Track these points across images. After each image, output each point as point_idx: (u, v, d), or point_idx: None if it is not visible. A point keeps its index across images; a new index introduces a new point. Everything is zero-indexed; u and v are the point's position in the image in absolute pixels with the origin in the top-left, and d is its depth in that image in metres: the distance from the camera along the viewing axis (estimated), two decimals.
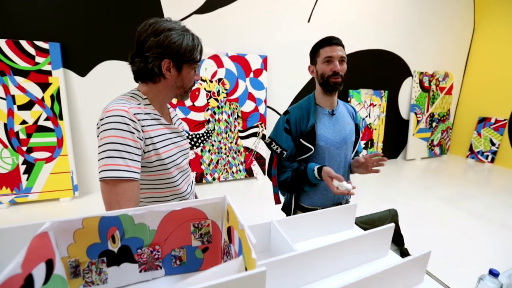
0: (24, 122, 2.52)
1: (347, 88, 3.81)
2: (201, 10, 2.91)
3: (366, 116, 3.99)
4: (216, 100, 3.12)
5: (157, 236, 0.46)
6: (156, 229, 0.46)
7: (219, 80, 3.08)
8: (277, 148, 1.04)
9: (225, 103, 3.16)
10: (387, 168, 4.02)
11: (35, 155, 2.59)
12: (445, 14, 4.18)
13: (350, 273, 0.45)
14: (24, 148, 2.55)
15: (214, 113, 3.14)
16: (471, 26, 4.47)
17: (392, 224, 0.54)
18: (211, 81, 3.06)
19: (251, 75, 3.20)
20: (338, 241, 0.46)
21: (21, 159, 2.55)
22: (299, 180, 1.01)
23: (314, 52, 1.04)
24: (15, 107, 2.47)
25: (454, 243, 2.05)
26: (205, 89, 3.06)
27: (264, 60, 3.21)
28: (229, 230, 0.46)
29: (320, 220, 0.61)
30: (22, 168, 2.56)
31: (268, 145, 1.07)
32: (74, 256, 0.42)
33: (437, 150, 4.67)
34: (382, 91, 4.02)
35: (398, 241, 1.18)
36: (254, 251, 0.33)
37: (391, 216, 1.13)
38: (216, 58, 3.02)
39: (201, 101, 3.06)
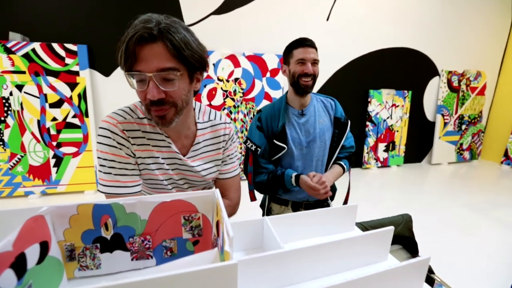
0: (54, 119, 2.71)
1: (367, 88, 3.68)
2: (219, 11, 2.95)
3: (388, 118, 3.82)
4: (233, 99, 3.16)
5: (148, 226, 0.48)
6: (147, 219, 0.47)
7: (236, 79, 3.11)
8: (251, 146, 1.09)
9: (241, 103, 3.19)
10: (409, 172, 3.82)
11: (64, 150, 2.78)
12: (478, 8, 3.89)
13: (341, 277, 0.43)
14: (54, 143, 2.75)
15: (231, 112, 3.18)
16: (508, 21, 4.12)
17: (392, 227, 0.51)
18: (227, 81, 3.10)
19: (268, 74, 3.19)
20: (329, 241, 0.45)
21: (51, 153, 2.74)
22: (275, 184, 1.07)
23: (288, 53, 1.08)
24: (47, 105, 2.67)
25: (479, 254, 1.90)
26: (221, 88, 3.10)
27: (281, 59, 3.18)
28: (217, 224, 0.46)
29: (316, 220, 0.59)
30: (52, 161, 2.76)
31: (245, 143, 1.13)
32: (70, 241, 0.44)
33: (466, 154, 4.36)
34: (406, 91, 3.83)
35: (411, 248, 1.12)
36: (229, 244, 0.33)
37: (404, 221, 1.08)
38: (233, 58, 3.05)
39: (217, 100, 3.11)
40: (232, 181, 0.83)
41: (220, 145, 0.79)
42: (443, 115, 4.08)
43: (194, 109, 0.76)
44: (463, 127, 4.23)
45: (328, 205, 1.19)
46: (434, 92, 4.05)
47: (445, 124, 4.12)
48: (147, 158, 0.67)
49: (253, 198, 1.18)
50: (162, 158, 0.69)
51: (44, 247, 0.39)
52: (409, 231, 1.08)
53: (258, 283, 0.40)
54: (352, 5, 3.34)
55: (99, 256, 0.46)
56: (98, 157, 0.64)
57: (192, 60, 0.58)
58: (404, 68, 3.78)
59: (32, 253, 0.37)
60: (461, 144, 4.29)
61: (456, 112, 4.15)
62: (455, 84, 4.05)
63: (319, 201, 1.17)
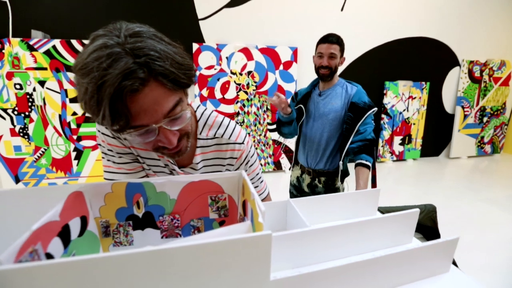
0: (74, 113, 2.81)
1: (382, 79, 3.58)
2: (232, 4, 2.94)
3: (404, 110, 3.72)
4: (246, 92, 3.16)
5: (177, 205, 0.49)
6: (176, 198, 0.49)
7: (249, 72, 3.11)
8: None
9: (254, 96, 3.19)
10: (426, 166, 3.72)
11: (84, 143, 2.88)
12: None
13: (365, 257, 0.44)
14: (75, 137, 2.85)
15: (244, 105, 3.18)
16: None
17: (417, 209, 0.50)
18: (240, 74, 3.10)
19: (281, 67, 3.17)
20: (354, 221, 0.45)
21: (72, 146, 2.86)
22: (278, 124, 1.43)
23: (316, 46, 1.28)
24: (67, 100, 2.77)
25: (500, 249, 1.84)
26: (234, 82, 3.11)
27: (294, 52, 3.16)
28: (244, 204, 0.48)
29: (338, 203, 0.59)
30: (73, 154, 2.87)
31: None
32: (105, 217, 0.47)
33: (488, 148, 4.19)
34: (423, 82, 3.71)
35: (435, 239, 1.10)
36: (262, 217, 0.33)
37: (426, 210, 1.05)
38: (246, 51, 3.04)
39: (230, 93, 3.12)
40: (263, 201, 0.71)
41: (224, 168, 0.66)
42: (463, 107, 3.93)
43: (199, 120, 0.63)
44: (485, 119, 4.05)
45: (335, 176, 1.36)
46: (454, 83, 3.89)
47: (465, 116, 3.97)
48: (144, 158, 0.62)
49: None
50: (158, 161, 0.63)
51: (84, 221, 0.42)
52: (432, 221, 1.06)
53: (285, 260, 0.41)
54: None
55: (131, 233, 0.49)
56: (98, 144, 0.61)
57: (188, 80, 0.47)
58: (422, 59, 3.65)
59: (75, 225, 0.39)
60: (482, 137, 4.12)
61: (478, 103, 3.98)
62: (477, 74, 3.87)
63: (326, 171, 1.36)
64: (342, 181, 1.35)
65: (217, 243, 0.30)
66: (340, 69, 3.41)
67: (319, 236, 0.43)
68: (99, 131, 0.59)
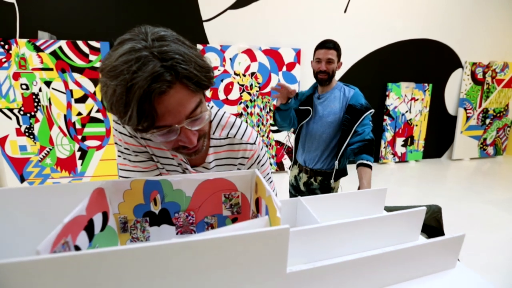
0: (79, 113, 2.84)
1: (385, 81, 3.59)
2: (236, 5, 2.97)
3: (406, 111, 3.73)
4: (249, 93, 3.18)
5: (192, 202, 0.51)
6: (191, 196, 0.51)
7: (252, 74, 3.13)
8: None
9: (257, 97, 3.21)
10: (428, 168, 3.72)
11: (88, 143, 2.91)
12: None
13: (375, 252, 0.45)
14: (79, 137, 2.88)
15: (247, 106, 3.20)
16: None
17: (424, 208, 0.52)
18: (244, 75, 3.12)
19: (284, 68, 3.19)
20: (363, 218, 0.46)
21: (77, 146, 2.88)
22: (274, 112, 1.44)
23: (314, 51, 1.33)
24: (72, 100, 2.80)
25: (502, 250, 1.85)
26: (238, 83, 3.13)
27: (298, 53, 3.18)
28: (257, 201, 0.49)
29: (346, 202, 0.61)
30: (78, 154, 2.90)
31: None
32: (123, 214, 0.49)
33: (490, 150, 4.19)
34: (426, 84, 3.72)
35: None
36: (279, 212, 0.35)
37: (431, 211, 1.07)
38: (249, 52, 3.07)
39: (234, 94, 3.14)
40: None
41: (235, 168, 0.68)
42: (465, 109, 3.93)
43: (212, 121, 0.65)
44: (487, 121, 4.06)
45: (328, 179, 1.40)
46: (457, 85, 3.90)
47: (468, 118, 3.97)
48: (158, 157, 0.64)
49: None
50: (171, 159, 0.65)
51: (105, 217, 0.44)
52: (436, 222, 1.07)
53: (298, 255, 0.43)
54: None
55: (148, 229, 0.51)
56: (115, 143, 0.63)
57: (207, 83, 0.49)
58: (425, 60, 3.67)
59: (98, 220, 0.41)
60: (485, 139, 4.12)
61: (480, 105, 3.98)
62: (480, 76, 3.88)
63: (323, 171, 1.40)
64: (335, 180, 1.38)
65: (239, 236, 0.31)
66: (342, 71, 3.43)
67: (330, 232, 0.45)
68: (116, 130, 0.61)
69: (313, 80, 1.51)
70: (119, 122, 0.52)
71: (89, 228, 0.38)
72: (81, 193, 0.42)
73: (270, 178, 0.72)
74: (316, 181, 1.40)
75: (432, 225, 1.03)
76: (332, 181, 1.37)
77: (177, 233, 0.52)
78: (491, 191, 2.91)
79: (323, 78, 1.29)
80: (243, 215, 0.54)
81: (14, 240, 0.42)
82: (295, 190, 1.51)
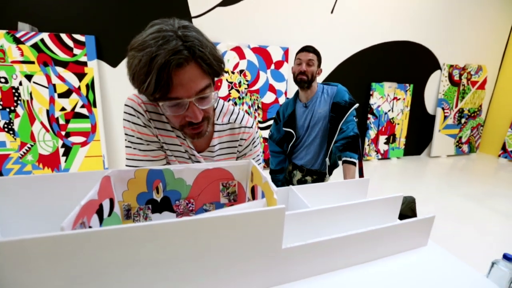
0: (63, 109, 2.76)
1: (369, 81, 3.73)
2: (225, 3, 2.98)
3: (389, 110, 3.89)
4: (238, 91, 3.21)
5: (192, 190, 0.55)
6: (192, 184, 0.54)
7: (241, 71, 3.16)
8: (269, 133, 1.55)
9: (246, 94, 3.24)
10: (409, 164, 3.91)
11: (72, 139, 2.83)
12: (480, 3, 3.93)
13: (359, 231, 0.51)
14: (63, 133, 2.80)
15: (235, 103, 3.23)
16: (510, 15, 4.16)
17: (401, 194, 0.58)
18: (232, 72, 3.15)
19: (272, 66, 3.24)
20: (348, 203, 0.52)
21: (60, 142, 2.80)
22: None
23: (295, 57, 1.36)
24: (55, 95, 2.71)
25: (475, 241, 2.00)
26: (227, 80, 3.15)
27: (286, 52, 3.24)
28: (252, 189, 0.53)
29: (333, 191, 0.66)
30: (61, 151, 2.82)
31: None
32: (127, 201, 0.51)
33: (465, 147, 4.45)
34: (407, 84, 3.89)
35: None
36: (276, 194, 0.40)
37: (407, 202, 1.15)
38: (238, 50, 3.09)
39: (222, 91, 3.16)
40: None
41: (235, 149, 0.77)
42: (443, 109, 4.15)
43: (215, 108, 0.73)
44: (463, 120, 4.30)
45: (324, 176, 1.45)
46: (435, 86, 4.11)
47: (445, 117, 4.20)
48: (168, 144, 0.68)
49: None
50: (178, 146, 0.70)
51: (112, 203, 0.46)
52: (412, 212, 1.16)
53: (291, 236, 0.48)
54: None
55: (150, 216, 0.54)
56: (125, 133, 0.66)
57: (219, 70, 0.59)
58: (406, 62, 3.84)
59: (106, 205, 0.44)
60: (460, 138, 4.37)
61: (457, 105, 4.22)
62: (456, 78, 4.10)
63: (319, 171, 1.45)
64: (330, 174, 1.44)
65: (241, 215, 0.35)
66: (328, 70, 3.53)
67: (319, 216, 0.50)
68: (129, 121, 0.65)
69: None
70: (133, 112, 0.62)
71: (100, 212, 0.41)
72: (88, 182, 0.45)
73: (260, 159, 0.83)
74: (311, 178, 1.45)
75: (408, 215, 1.12)
76: (327, 176, 1.43)
77: None
78: (466, 186, 3.11)
79: (303, 79, 1.28)
80: (239, 203, 0.58)
81: (27, 222, 0.44)
82: (288, 185, 1.55)
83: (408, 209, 1.14)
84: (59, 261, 0.30)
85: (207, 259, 0.36)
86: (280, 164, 1.51)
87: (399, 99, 3.90)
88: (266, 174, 0.83)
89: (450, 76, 4.07)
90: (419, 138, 4.31)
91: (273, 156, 1.53)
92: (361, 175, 1.38)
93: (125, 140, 0.67)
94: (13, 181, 0.46)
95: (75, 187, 0.46)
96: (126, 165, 0.68)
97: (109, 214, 0.45)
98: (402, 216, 1.20)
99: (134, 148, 0.66)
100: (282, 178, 1.53)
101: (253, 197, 0.53)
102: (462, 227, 2.16)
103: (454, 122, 4.26)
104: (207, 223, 0.35)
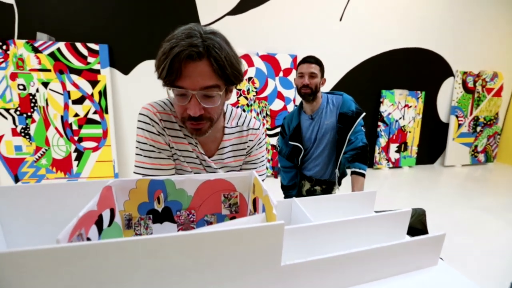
0: (76, 114, 2.84)
1: (379, 88, 3.68)
2: (234, 12, 3.03)
3: (400, 118, 3.81)
4: (246, 98, 3.23)
5: (193, 201, 0.54)
6: (193, 195, 0.54)
7: (249, 78, 3.18)
8: (277, 148, 1.49)
9: (254, 101, 3.25)
10: (421, 174, 3.80)
11: (84, 144, 2.91)
12: (495, 7, 3.83)
13: (363, 248, 0.49)
14: (76, 138, 2.88)
15: (244, 110, 3.24)
16: None
17: (410, 209, 0.56)
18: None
19: (281, 74, 3.25)
20: (354, 218, 0.50)
21: (73, 147, 2.88)
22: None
23: (297, 68, 1.32)
24: (70, 101, 2.81)
25: (492, 256, 1.90)
26: (235, 87, 3.17)
27: (294, 59, 3.24)
28: (254, 201, 0.52)
29: (337, 204, 0.64)
30: (74, 155, 2.90)
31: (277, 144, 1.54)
32: (128, 211, 0.51)
33: (481, 157, 4.29)
34: (419, 92, 3.81)
35: None
36: (275, 209, 0.38)
37: (416, 214, 1.11)
38: (246, 58, 3.12)
39: (231, 99, 3.18)
40: None
41: (244, 151, 0.80)
42: (457, 117, 4.03)
43: (225, 113, 0.77)
44: (478, 128, 4.16)
45: (333, 185, 1.42)
46: (448, 93, 4.01)
47: (459, 125, 4.07)
48: (181, 151, 0.71)
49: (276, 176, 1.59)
50: (190, 152, 0.73)
51: (112, 213, 0.47)
52: (422, 224, 1.12)
53: (292, 251, 0.46)
54: (365, 5, 3.36)
55: (151, 226, 0.53)
56: (138, 141, 0.69)
57: (232, 77, 0.61)
58: (418, 69, 3.77)
59: (106, 216, 0.44)
60: (476, 146, 4.22)
61: (471, 113, 4.09)
62: (470, 85, 3.99)
63: (328, 180, 1.42)
64: (340, 184, 1.41)
65: (238, 230, 0.35)
66: (337, 78, 3.51)
67: (322, 230, 0.48)
68: (143, 129, 0.68)
69: None
70: (149, 112, 0.67)
71: (99, 223, 0.41)
72: (91, 191, 0.45)
73: (264, 161, 0.85)
74: (320, 188, 1.43)
75: (418, 228, 1.08)
76: (336, 186, 1.41)
77: (178, 230, 0.55)
78: (482, 198, 2.98)
79: (307, 92, 1.25)
80: (241, 214, 0.57)
81: (30, 231, 0.45)
82: (297, 194, 1.52)
83: (418, 222, 1.09)
84: (55, 274, 0.30)
85: (200, 275, 0.36)
86: (292, 180, 1.46)
87: (411, 106, 3.82)
88: (269, 185, 0.84)
89: (464, 83, 3.96)
90: (432, 147, 4.19)
91: (285, 172, 1.47)
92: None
93: (136, 147, 0.69)
94: (19, 190, 0.47)
95: (82, 195, 0.47)
96: (134, 172, 0.70)
97: (109, 224, 0.45)
98: (411, 229, 1.16)
99: (145, 156, 0.68)
100: (295, 193, 1.48)
101: (255, 209, 0.52)
102: (477, 242, 2.06)
103: (469, 130, 4.13)
104: (201, 238, 0.34)
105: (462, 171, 4.00)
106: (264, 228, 0.35)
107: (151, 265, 0.33)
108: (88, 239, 0.37)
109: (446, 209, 2.65)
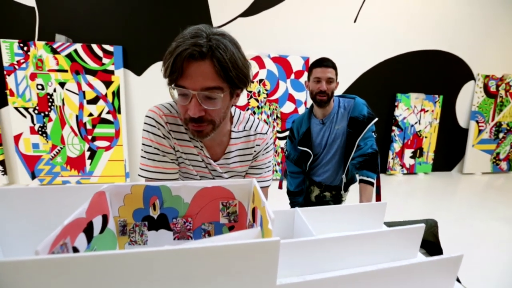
0: (90, 114, 2.92)
1: (394, 91, 3.56)
2: (246, 13, 3.02)
3: (416, 123, 3.67)
4: (257, 100, 3.20)
5: (190, 209, 0.52)
6: (190, 202, 0.52)
7: (260, 80, 3.16)
8: (285, 152, 1.44)
9: (265, 104, 3.23)
10: (437, 181, 3.64)
11: (98, 143, 2.98)
12: None
13: (370, 268, 0.45)
14: (90, 137, 2.95)
15: (254, 113, 3.23)
16: None
17: (422, 225, 0.51)
18: (252, 82, 3.15)
19: (292, 76, 3.21)
20: (360, 233, 0.46)
21: (86, 146, 2.95)
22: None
23: (310, 71, 1.23)
24: (84, 101, 2.89)
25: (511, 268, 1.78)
26: (246, 89, 3.16)
27: (306, 61, 3.19)
28: (253, 211, 0.50)
29: (344, 215, 0.60)
30: (87, 154, 2.97)
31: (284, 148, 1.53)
32: (123, 217, 0.50)
33: (503, 165, 4.06)
34: (436, 96, 3.66)
35: (437, 254, 1.08)
36: (271, 224, 0.36)
37: (428, 225, 1.04)
38: (258, 59, 3.10)
39: (241, 101, 3.17)
40: (263, 190, 0.80)
41: (250, 156, 0.78)
42: (477, 122, 3.84)
43: (233, 116, 0.76)
44: (501, 135, 3.95)
45: (341, 191, 1.38)
46: (468, 97, 3.83)
47: (480, 131, 3.88)
48: (186, 154, 0.70)
49: (280, 187, 1.57)
50: (195, 155, 0.72)
51: (105, 220, 0.45)
52: (434, 237, 1.05)
53: (290, 267, 0.43)
54: (380, 7, 3.27)
55: (146, 233, 0.52)
56: (143, 143, 0.68)
57: (237, 80, 0.58)
58: (435, 72, 3.62)
59: (97, 223, 0.42)
60: (498, 154, 4.00)
61: (493, 119, 3.89)
62: (493, 89, 3.80)
63: (338, 186, 1.38)
64: (346, 190, 1.37)
65: (229, 246, 0.32)
66: (351, 81, 3.42)
67: (324, 246, 0.45)
68: (148, 131, 0.67)
69: None
70: (155, 117, 0.66)
71: (88, 231, 0.39)
72: (85, 195, 0.44)
73: (270, 166, 0.82)
74: (330, 194, 1.39)
75: (430, 240, 1.01)
76: (342, 192, 1.36)
77: (174, 239, 0.53)
78: (504, 207, 2.81)
79: (323, 99, 1.17)
80: (240, 224, 0.55)
81: (15, 240, 0.44)
82: (305, 200, 1.47)
83: (429, 234, 1.03)
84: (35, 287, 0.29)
85: None
86: (299, 186, 1.39)
87: (427, 111, 3.68)
88: (273, 191, 0.81)
89: (486, 87, 3.77)
90: (449, 153, 4.01)
91: (292, 177, 1.40)
92: (378, 195, 1.27)
93: (141, 150, 0.69)
94: (19, 193, 0.46)
95: (73, 201, 0.45)
96: (139, 175, 0.70)
97: (101, 231, 0.44)
98: (423, 242, 1.09)
99: (148, 159, 0.68)
100: (301, 200, 1.42)
101: (254, 219, 0.49)
102: (499, 257, 1.93)
103: (490, 136, 3.92)
104: (189, 254, 0.31)
105: (482, 179, 3.80)
106: (257, 245, 0.32)
107: (136, 280, 0.31)
108: (75, 248, 0.35)
109: (464, 220, 2.51)
